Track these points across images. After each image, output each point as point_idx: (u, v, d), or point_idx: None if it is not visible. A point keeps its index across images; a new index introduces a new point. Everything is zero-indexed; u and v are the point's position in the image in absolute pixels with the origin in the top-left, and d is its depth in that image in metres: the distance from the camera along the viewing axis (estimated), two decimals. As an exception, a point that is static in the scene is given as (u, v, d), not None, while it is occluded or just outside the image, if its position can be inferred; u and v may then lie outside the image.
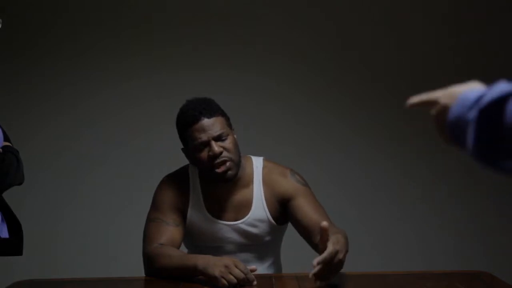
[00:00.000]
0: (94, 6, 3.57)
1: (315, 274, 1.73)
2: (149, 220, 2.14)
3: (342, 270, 1.88)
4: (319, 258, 1.72)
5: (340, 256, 1.77)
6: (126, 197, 3.55)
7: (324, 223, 1.77)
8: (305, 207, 2.09)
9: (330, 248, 1.74)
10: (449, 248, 3.68)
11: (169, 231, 2.08)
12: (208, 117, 2.03)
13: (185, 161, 2.21)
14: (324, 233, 1.77)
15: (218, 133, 2.02)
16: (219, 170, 2.02)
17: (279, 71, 3.61)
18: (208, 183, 2.13)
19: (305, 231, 2.07)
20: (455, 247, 3.68)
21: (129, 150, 3.58)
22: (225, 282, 1.84)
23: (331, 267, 1.75)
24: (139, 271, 2.11)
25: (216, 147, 2.01)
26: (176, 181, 2.17)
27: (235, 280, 1.84)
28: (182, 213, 2.14)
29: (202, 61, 3.59)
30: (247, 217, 2.14)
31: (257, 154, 2.24)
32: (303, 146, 3.63)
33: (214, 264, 1.88)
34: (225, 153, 2.03)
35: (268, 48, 3.61)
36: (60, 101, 3.57)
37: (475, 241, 3.69)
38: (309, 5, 3.62)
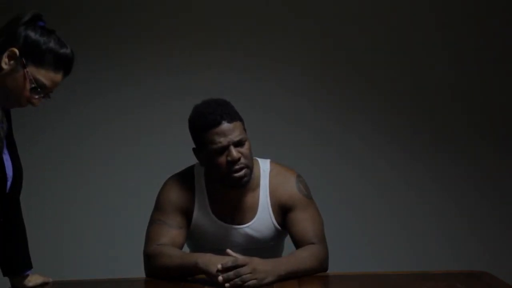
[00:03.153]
0: (98, 9, 3.57)
1: (224, 277, 1.84)
2: (152, 221, 2.13)
3: (341, 270, 1.89)
4: (222, 263, 1.87)
5: (251, 267, 1.86)
6: (127, 197, 3.55)
7: (228, 251, 1.95)
8: (300, 222, 2.09)
9: (240, 258, 1.88)
10: (449, 248, 3.68)
11: (171, 233, 2.08)
12: (229, 122, 2.00)
13: (190, 162, 2.20)
14: (228, 253, 1.94)
15: (238, 138, 2.00)
16: (236, 175, 2.01)
17: (278, 73, 3.61)
18: (214, 185, 2.12)
19: (297, 246, 2.10)
20: (455, 247, 3.68)
21: (131, 150, 3.58)
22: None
23: (240, 273, 1.85)
24: (140, 272, 2.11)
25: (235, 152, 1.99)
26: (181, 182, 2.15)
27: (237, 282, 1.85)
28: (186, 215, 2.12)
29: (204, 64, 3.59)
30: (252, 221, 2.13)
31: (256, 156, 2.23)
32: (301, 147, 3.62)
33: (216, 263, 1.88)
34: (242, 159, 2.01)
35: (269, 50, 3.61)
36: (65, 102, 3.56)
37: (475, 241, 3.69)
38: (311, 8, 3.62)
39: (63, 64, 1.74)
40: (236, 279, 1.84)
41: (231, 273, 1.85)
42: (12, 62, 1.69)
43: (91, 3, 3.58)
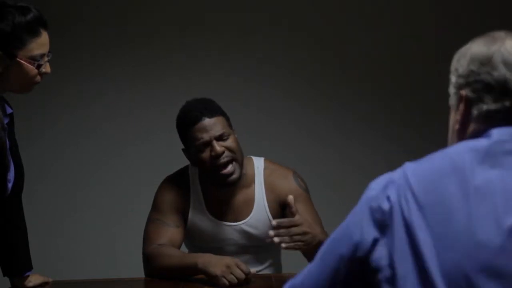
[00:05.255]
0: (98, 11, 3.57)
1: (275, 233, 1.83)
2: (150, 221, 2.14)
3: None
4: (278, 220, 1.86)
5: (303, 229, 1.84)
6: (126, 198, 3.56)
7: (290, 197, 1.89)
8: (302, 215, 2.09)
9: (296, 217, 1.86)
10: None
11: (169, 232, 2.08)
12: (209, 117, 2.01)
13: (186, 163, 2.21)
14: (289, 205, 1.88)
15: (219, 132, 2.01)
16: (223, 172, 2.01)
17: (276, 73, 3.62)
18: (209, 183, 2.12)
19: None
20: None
21: (130, 151, 3.58)
22: (225, 281, 1.85)
23: (291, 233, 1.84)
24: (140, 272, 2.11)
25: (218, 146, 1.99)
26: (176, 182, 2.16)
27: (235, 280, 1.85)
28: (182, 214, 2.13)
29: (203, 66, 3.58)
30: (248, 218, 2.13)
31: (251, 155, 2.24)
32: (300, 147, 3.63)
33: (216, 264, 1.89)
34: (227, 153, 2.01)
35: (267, 51, 3.61)
36: (64, 103, 3.57)
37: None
38: (306, 12, 3.62)
39: (40, 25, 1.70)
40: (286, 237, 1.84)
41: (282, 231, 1.84)
42: (1, 62, 1.67)
43: (92, 4, 3.58)
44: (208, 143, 2.00)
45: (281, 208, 2.14)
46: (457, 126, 1.10)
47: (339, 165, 3.66)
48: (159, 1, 3.60)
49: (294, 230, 1.84)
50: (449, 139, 1.14)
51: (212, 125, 2.01)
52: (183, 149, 2.12)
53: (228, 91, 3.47)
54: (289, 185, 2.13)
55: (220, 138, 2.01)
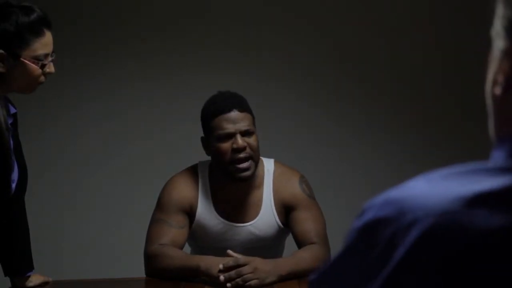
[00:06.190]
0: (98, 8, 3.57)
1: (226, 277, 1.86)
2: (153, 221, 2.12)
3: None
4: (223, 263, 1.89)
5: (253, 265, 1.87)
6: (126, 198, 3.56)
7: (228, 251, 1.95)
8: (303, 222, 2.10)
9: (241, 258, 1.90)
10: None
11: (172, 233, 2.07)
12: (239, 111, 2.02)
13: (191, 162, 2.21)
14: (229, 254, 1.95)
15: (245, 128, 2.01)
16: (240, 165, 2.00)
17: (276, 73, 3.62)
18: (219, 182, 2.12)
19: (299, 245, 2.11)
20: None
21: (133, 150, 3.58)
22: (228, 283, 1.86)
23: (242, 273, 1.86)
24: (140, 272, 2.11)
25: (241, 140, 1.99)
26: (185, 181, 2.14)
27: (239, 282, 1.85)
28: (188, 214, 2.12)
29: (203, 64, 3.59)
30: (256, 219, 2.13)
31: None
32: (304, 148, 3.63)
33: (218, 265, 1.89)
34: (248, 150, 2.01)
35: (271, 51, 3.61)
36: (66, 101, 3.57)
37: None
38: (307, 10, 3.62)
39: (43, 25, 1.70)
40: (238, 279, 1.84)
41: (232, 273, 1.85)
42: (5, 62, 1.67)
43: (92, 4, 3.58)
44: (232, 135, 2.00)
45: (285, 212, 2.14)
46: (498, 91, 0.64)
47: (340, 165, 3.66)
48: (159, 1, 3.60)
49: (244, 269, 1.86)
50: (487, 106, 0.68)
51: (239, 119, 2.01)
52: (202, 137, 2.11)
53: (236, 91, 3.48)
54: (292, 190, 2.13)
55: (245, 133, 2.01)
